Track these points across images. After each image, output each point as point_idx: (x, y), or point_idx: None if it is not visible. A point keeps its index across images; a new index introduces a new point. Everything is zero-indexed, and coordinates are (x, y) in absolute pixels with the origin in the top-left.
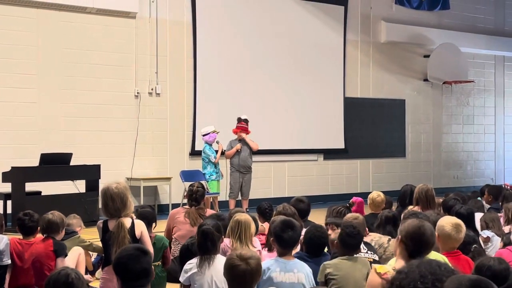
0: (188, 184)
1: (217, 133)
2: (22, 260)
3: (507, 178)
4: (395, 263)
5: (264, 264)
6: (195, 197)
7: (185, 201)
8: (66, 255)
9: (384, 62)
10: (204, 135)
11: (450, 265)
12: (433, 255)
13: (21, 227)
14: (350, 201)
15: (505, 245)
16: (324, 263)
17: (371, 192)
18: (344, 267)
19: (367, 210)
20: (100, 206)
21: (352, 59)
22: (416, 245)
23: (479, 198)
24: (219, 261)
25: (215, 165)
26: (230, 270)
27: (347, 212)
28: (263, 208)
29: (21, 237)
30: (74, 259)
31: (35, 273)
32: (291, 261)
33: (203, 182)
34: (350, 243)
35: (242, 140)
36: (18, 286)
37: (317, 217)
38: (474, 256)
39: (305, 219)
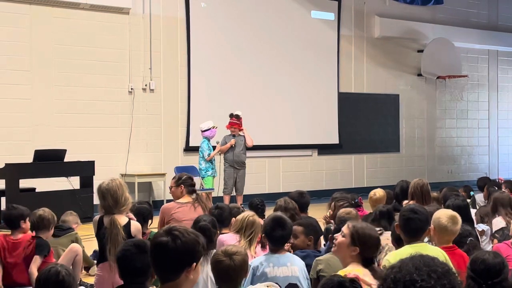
0: None
1: (216, 128)
2: (10, 258)
3: (501, 173)
4: (350, 267)
5: (257, 260)
6: (191, 183)
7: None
8: (45, 255)
9: (378, 57)
10: (204, 131)
11: (448, 259)
12: (430, 250)
13: (6, 222)
14: (357, 200)
15: (499, 241)
16: (316, 258)
17: (365, 187)
18: (336, 263)
19: (367, 208)
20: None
21: (346, 54)
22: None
23: (472, 193)
24: None
25: (211, 160)
26: (215, 265)
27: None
28: (255, 204)
29: (9, 233)
30: (70, 259)
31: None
32: (284, 255)
33: (197, 178)
34: None
35: (236, 136)
36: (11, 283)
37: (312, 212)
38: (469, 249)
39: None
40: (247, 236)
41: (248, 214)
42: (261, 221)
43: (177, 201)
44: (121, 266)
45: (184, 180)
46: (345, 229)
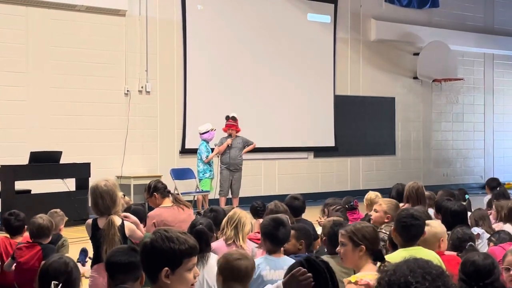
0: (178, 182)
1: (214, 130)
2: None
3: (496, 176)
4: (362, 272)
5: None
6: (162, 186)
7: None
8: None
9: (374, 60)
10: (202, 133)
11: (442, 263)
12: (424, 253)
13: (7, 227)
14: (353, 203)
15: (495, 244)
16: None
17: (361, 190)
18: (332, 266)
19: (362, 210)
20: (89, 204)
21: (342, 57)
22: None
23: (467, 196)
24: (213, 259)
25: (210, 163)
26: (230, 264)
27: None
28: (255, 207)
29: (9, 236)
30: None
31: (22, 275)
32: (281, 258)
33: (194, 180)
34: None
35: (233, 137)
36: (10, 284)
37: (308, 214)
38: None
39: (299, 217)
40: (232, 223)
41: (232, 211)
42: (247, 216)
43: (160, 206)
44: (110, 271)
45: (155, 187)
46: (341, 238)
